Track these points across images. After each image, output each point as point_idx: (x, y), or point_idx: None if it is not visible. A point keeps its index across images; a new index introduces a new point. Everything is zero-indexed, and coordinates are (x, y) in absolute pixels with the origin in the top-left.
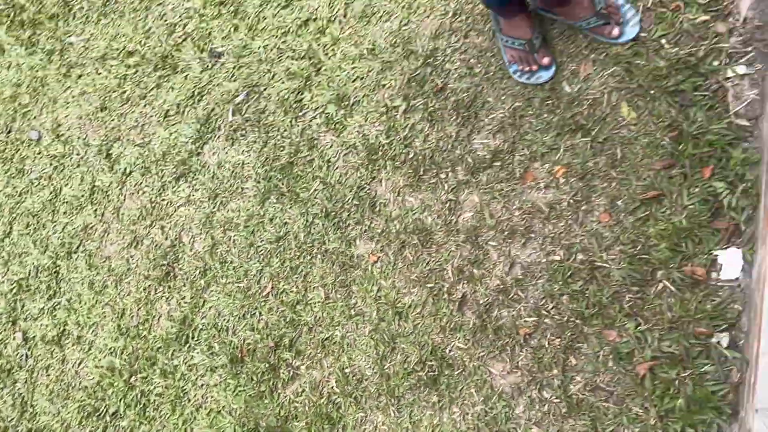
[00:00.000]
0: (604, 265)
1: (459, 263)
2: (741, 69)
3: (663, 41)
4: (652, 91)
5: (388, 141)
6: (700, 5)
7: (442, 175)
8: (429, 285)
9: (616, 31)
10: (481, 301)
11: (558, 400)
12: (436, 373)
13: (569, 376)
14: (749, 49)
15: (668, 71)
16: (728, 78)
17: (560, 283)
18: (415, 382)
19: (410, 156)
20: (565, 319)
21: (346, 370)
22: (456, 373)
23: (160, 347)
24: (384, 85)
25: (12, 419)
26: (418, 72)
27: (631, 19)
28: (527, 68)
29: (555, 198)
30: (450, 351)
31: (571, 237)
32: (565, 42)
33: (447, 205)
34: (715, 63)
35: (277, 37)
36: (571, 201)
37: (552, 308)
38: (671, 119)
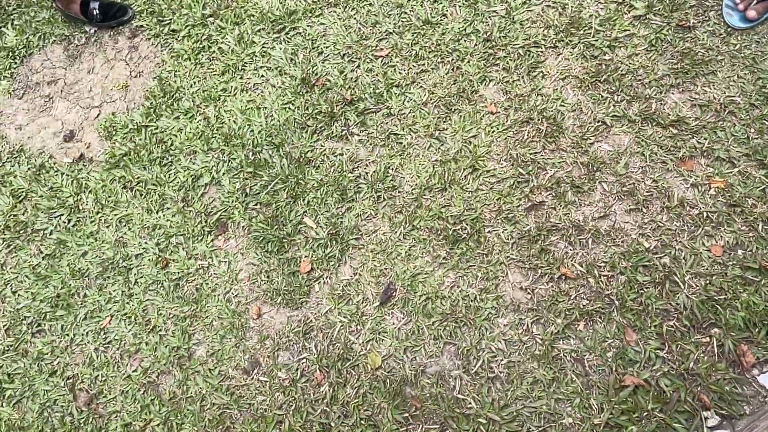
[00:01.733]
0: (680, 284)
1: (562, 176)
2: None
3: None
4: None
5: (597, 27)
6: None
7: (617, 97)
8: (521, 170)
9: None
10: (551, 219)
11: (540, 342)
12: (462, 237)
13: (566, 334)
14: None
15: None
16: None
17: (630, 264)
18: (438, 228)
19: (604, 57)
20: (608, 292)
21: (389, 171)
22: (478, 250)
23: (253, 16)
24: None
25: None
26: None
27: None
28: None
29: (692, 200)
30: (489, 232)
31: (673, 239)
32: None
33: (596, 124)
34: None
35: None
36: (704, 214)
37: (604, 276)
38: None
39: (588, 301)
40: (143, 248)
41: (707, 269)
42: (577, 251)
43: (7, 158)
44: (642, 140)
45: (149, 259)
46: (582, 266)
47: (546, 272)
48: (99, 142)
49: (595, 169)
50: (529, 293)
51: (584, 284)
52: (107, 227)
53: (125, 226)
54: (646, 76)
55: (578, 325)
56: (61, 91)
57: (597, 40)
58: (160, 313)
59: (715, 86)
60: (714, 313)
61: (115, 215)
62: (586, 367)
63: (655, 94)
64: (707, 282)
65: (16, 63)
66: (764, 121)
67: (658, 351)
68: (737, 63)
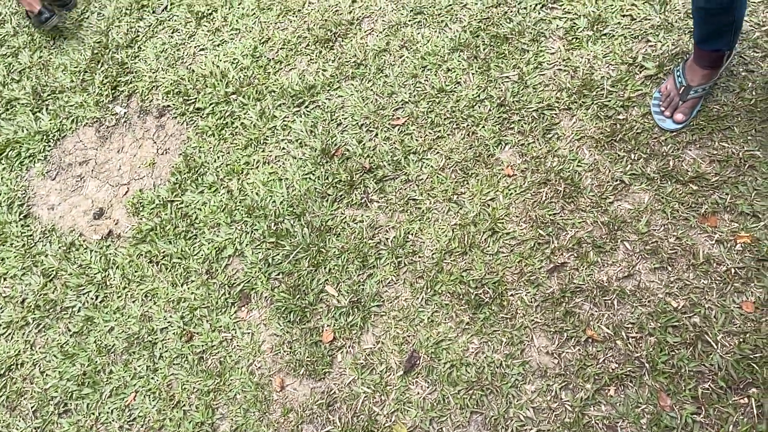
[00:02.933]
0: (712, 343)
1: (583, 236)
2: None
3: None
4: None
5: (609, 87)
6: None
7: (634, 156)
8: (541, 231)
9: None
10: (575, 281)
11: (570, 409)
12: (485, 301)
13: (596, 399)
14: None
15: None
16: None
17: (659, 324)
18: (460, 293)
19: (619, 117)
20: (637, 355)
21: (409, 236)
22: (502, 315)
23: (273, 92)
24: (649, 41)
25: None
26: None
27: None
28: None
29: (719, 256)
30: (512, 295)
31: (702, 297)
32: None
33: (614, 183)
34: None
35: None
36: (732, 270)
37: (632, 337)
38: None
39: (617, 365)
40: (168, 322)
41: (740, 327)
42: (603, 313)
43: (39, 238)
44: (662, 197)
45: (174, 333)
46: (609, 328)
47: (572, 335)
48: (127, 219)
49: (616, 228)
50: (555, 358)
51: (612, 347)
52: (133, 302)
53: (151, 300)
54: (661, 133)
55: (609, 390)
56: (92, 170)
57: (610, 101)
58: (184, 388)
59: (733, 141)
60: (750, 372)
61: (141, 290)
62: None
63: (672, 151)
64: (741, 340)
65: (50, 146)
66: None
67: (695, 415)
68: (754, 117)
